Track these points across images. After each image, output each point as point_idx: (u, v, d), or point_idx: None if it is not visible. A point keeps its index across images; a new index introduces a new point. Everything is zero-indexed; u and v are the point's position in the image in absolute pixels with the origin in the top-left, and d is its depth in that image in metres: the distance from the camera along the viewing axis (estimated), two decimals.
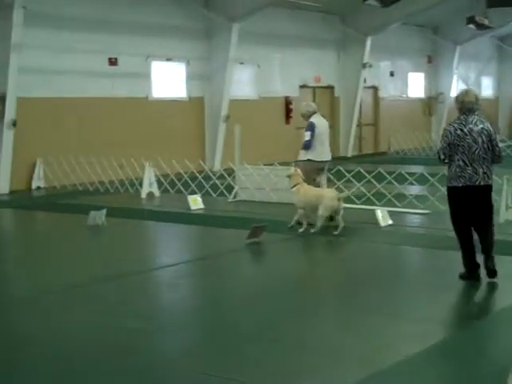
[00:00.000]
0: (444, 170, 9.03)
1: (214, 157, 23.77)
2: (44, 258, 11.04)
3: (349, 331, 7.10)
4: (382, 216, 12.68)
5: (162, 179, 17.57)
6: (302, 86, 27.61)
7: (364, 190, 14.98)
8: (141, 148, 20.44)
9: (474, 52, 35.47)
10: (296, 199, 12.31)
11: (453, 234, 8.97)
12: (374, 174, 15.32)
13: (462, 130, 8.55)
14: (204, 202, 15.32)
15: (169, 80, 23.13)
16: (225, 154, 22.78)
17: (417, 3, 26.42)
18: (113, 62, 21.29)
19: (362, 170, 15.66)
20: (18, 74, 18.14)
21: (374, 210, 13.15)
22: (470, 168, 8.54)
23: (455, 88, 33.68)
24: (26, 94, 18.71)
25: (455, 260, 8.99)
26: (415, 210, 13.96)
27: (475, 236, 8.77)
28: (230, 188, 16.47)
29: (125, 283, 9.25)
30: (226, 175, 16.87)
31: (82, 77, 20.37)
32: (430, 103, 34.53)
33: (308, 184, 12.40)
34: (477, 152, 8.53)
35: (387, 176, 15.04)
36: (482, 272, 8.72)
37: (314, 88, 28.35)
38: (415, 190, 15.59)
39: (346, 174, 15.71)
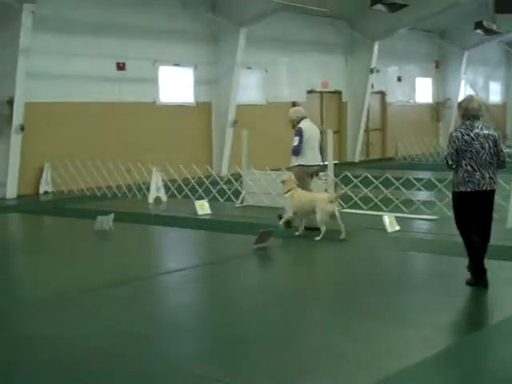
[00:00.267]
0: (452, 175, 9.02)
1: (221, 162, 23.79)
2: (51, 263, 11.05)
3: (354, 337, 7.06)
4: (390, 222, 12.66)
5: (169, 184, 17.58)
6: (310, 91, 27.61)
7: (371, 196, 14.95)
8: (148, 153, 20.47)
9: (481, 57, 35.40)
10: (290, 204, 12.36)
11: (460, 240, 8.95)
12: (381, 179, 15.28)
13: (468, 135, 8.57)
14: (211, 207, 15.31)
15: (176, 85, 23.16)
16: (232, 159, 22.77)
17: (424, 8, 26.39)
18: (120, 66, 21.34)
19: (369, 176, 15.63)
20: (26, 79, 18.19)
21: (381, 215, 13.12)
22: (478, 173, 8.57)
23: (463, 93, 33.61)
24: (34, 98, 18.77)
25: (462, 266, 8.95)
26: (423, 215, 13.93)
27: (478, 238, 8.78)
28: (237, 193, 16.46)
29: (132, 288, 9.24)
30: (233, 180, 16.85)
31: (90, 81, 20.43)
32: (438, 109, 34.48)
33: (303, 189, 12.49)
34: (484, 157, 8.57)
35: (395, 182, 15.00)
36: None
37: (321, 93, 28.35)
38: (423, 195, 15.54)
39: (354, 179, 15.67)
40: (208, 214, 15.03)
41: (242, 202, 16.18)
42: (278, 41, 25.53)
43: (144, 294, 9.06)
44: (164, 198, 17.30)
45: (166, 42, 22.34)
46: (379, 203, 14.63)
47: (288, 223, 12.57)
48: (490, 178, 8.62)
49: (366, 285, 9.23)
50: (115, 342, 7.00)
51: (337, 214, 12.04)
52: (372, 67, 28.51)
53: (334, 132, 19.54)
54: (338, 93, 29.10)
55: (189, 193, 16.94)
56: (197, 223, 14.17)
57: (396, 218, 12.96)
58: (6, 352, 6.84)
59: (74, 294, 8.91)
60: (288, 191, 12.42)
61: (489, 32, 29.38)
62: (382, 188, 15.07)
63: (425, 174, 18.89)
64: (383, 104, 31.63)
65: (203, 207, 15.19)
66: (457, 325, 7.81)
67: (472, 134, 8.56)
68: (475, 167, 8.56)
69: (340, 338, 7.05)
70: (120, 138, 21.04)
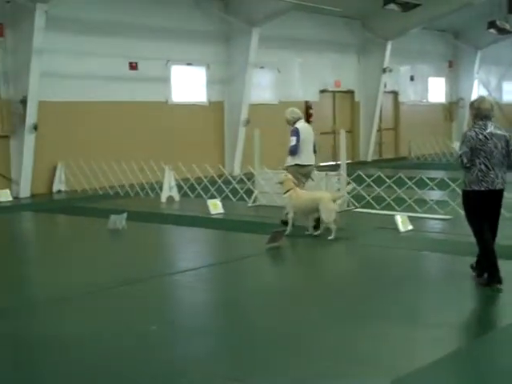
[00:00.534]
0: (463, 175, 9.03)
1: (233, 161, 23.80)
2: (65, 262, 11.08)
3: (366, 337, 7.05)
4: (402, 221, 12.64)
5: (181, 183, 17.61)
6: (322, 91, 27.59)
7: (384, 195, 14.93)
8: (161, 152, 20.49)
9: (495, 57, 35.23)
10: (290, 204, 12.34)
11: (473, 239, 8.96)
12: (394, 179, 15.26)
13: (483, 134, 8.62)
14: (224, 206, 15.33)
15: (189, 84, 23.19)
16: (244, 159, 22.78)
17: (437, 8, 26.33)
18: (133, 66, 21.38)
19: (382, 175, 15.61)
20: (39, 78, 18.25)
21: (394, 215, 13.11)
22: (492, 172, 8.63)
23: (476, 93, 33.52)
24: (47, 97, 18.82)
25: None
26: (436, 215, 13.90)
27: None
28: (249, 192, 16.46)
29: (145, 287, 9.26)
30: (245, 180, 16.86)
31: (103, 81, 20.49)
32: (451, 108, 34.38)
33: (299, 188, 12.56)
34: (497, 156, 8.64)
35: (407, 181, 14.98)
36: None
37: (334, 92, 28.32)
38: (436, 195, 15.50)
39: (366, 178, 15.66)
40: (221, 214, 15.05)
41: (254, 202, 16.18)
42: (291, 40, 25.50)
43: (157, 293, 9.09)
44: (177, 197, 17.33)
45: (178, 41, 22.36)
46: (392, 203, 14.61)
47: (285, 222, 12.59)
48: (502, 177, 8.72)
49: (377, 285, 9.22)
50: (128, 342, 7.02)
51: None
52: (385, 67, 28.46)
53: (347, 131, 19.50)
54: (351, 92, 29.05)
55: (201, 192, 16.96)
56: (209, 222, 14.19)
57: (409, 217, 12.95)
58: (20, 352, 6.86)
59: (86, 292, 8.94)
60: (287, 191, 12.42)
61: (502, 31, 29.30)
62: (394, 187, 15.04)
63: (438, 174, 18.86)
64: (396, 103, 31.57)
65: (216, 206, 15.21)
66: (469, 325, 7.80)
67: (486, 134, 8.61)
68: (489, 166, 8.61)
69: (352, 339, 7.04)
70: (133, 137, 21.08)
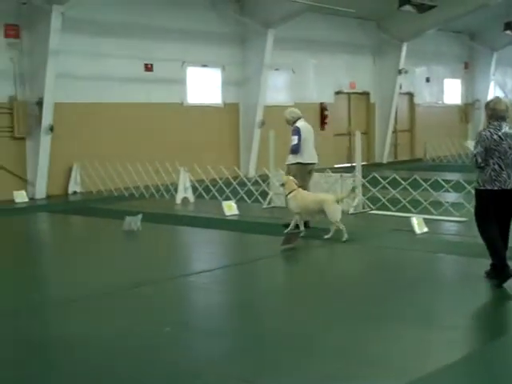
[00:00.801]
0: (476, 174, 9.02)
1: (248, 163, 23.80)
2: (80, 263, 11.10)
3: (379, 339, 7.03)
4: (418, 223, 12.61)
5: (196, 185, 17.64)
6: (338, 92, 27.56)
7: (399, 197, 14.89)
8: (176, 154, 20.50)
9: (511, 58, 35.10)
10: (293, 205, 12.32)
11: None
12: (409, 180, 15.24)
13: (497, 134, 8.72)
14: (239, 208, 15.34)
15: (204, 86, 23.22)
16: (259, 160, 22.79)
17: (453, 9, 26.22)
18: (149, 67, 21.43)
19: (397, 177, 15.57)
20: (55, 80, 18.32)
21: (409, 217, 13.08)
22: (505, 172, 8.74)
23: (492, 95, 33.37)
24: (63, 99, 18.90)
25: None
26: (451, 217, 13.85)
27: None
28: (264, 194, 16.47)
29: (160, 288, 9.28)
30: (260, 181, 16.86)
31: (118, 82, 20.55)
32: (467, 110, 34.26)
33: (301, 187, 12.55)
34: (510, 157, 8.74)
35: (423, 183, 14.94)
36: None
37: (349, 94, 28.28)
38: (451, 197, 15.43)
39: (382, 180, 15.63)
40: (235, 215, 15.06)
41: (269, 203, 16.18)
42: (306, 42, 25.49)
43: (172, 294, 9.10)
44: (191, 198, 17.36)
45: (193, 43, 22.39)
46: (407, 205, 14.58)
47: (287, 225, 12.59)
48: None
49: (392, 286, 9.19)
50: (142, 343, 7.03)
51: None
52: (400, 68, 28.39)
53: (362, 133, 19.48)
54: (366, 94, 29.00)
55: (216, 193, 16.98)
56: (224, 224, 14.20)
57: (424, 219, 12.92)
58: (34, 352, 6.89)
59: (101, 293, 8.96)
60: (290, 192, 12.38)
61: None
62: (410, 189, 15.01)
63: (453, 176, 18.78)
64: (411, 105, 31.50)
65: (231, 208, 15.22)
66: (484, 328, 7.75)
67: (501, 134, 8.70)
68: (502, 166, 8.72)
69: (365, 340, 7.02)
70: (148, 138, 21.13)
